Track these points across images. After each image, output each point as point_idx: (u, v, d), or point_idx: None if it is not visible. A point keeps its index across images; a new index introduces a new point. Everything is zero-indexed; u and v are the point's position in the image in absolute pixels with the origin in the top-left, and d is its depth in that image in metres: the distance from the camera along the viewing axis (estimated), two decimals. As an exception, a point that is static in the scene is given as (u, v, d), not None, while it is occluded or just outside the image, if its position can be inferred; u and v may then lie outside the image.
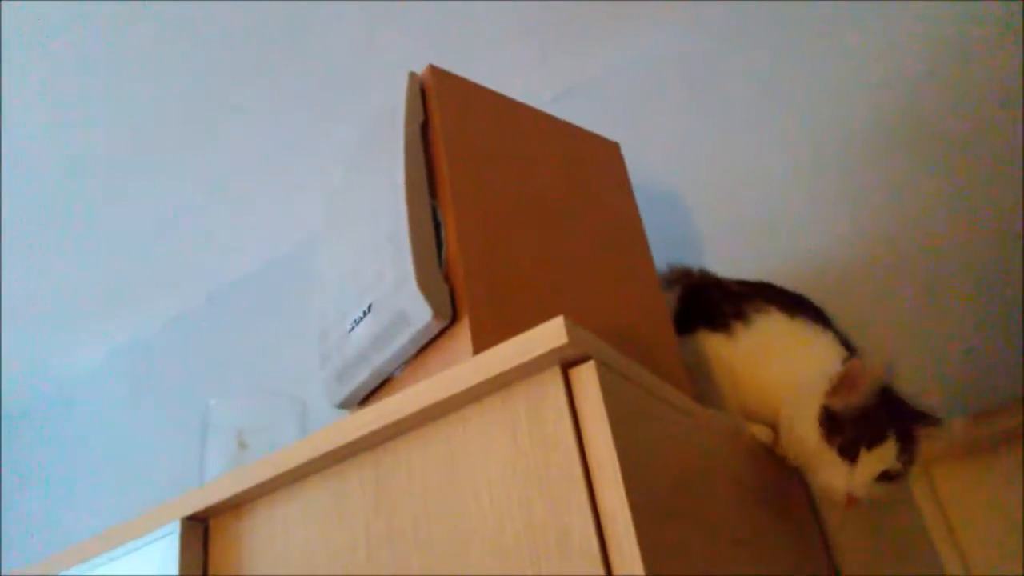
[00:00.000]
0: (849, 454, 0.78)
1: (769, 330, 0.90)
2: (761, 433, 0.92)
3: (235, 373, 1.69)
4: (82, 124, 1.40)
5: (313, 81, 1.39)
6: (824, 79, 1.18)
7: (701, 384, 0.91)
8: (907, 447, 0.78)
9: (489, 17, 1.32)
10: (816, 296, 0.94)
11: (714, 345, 0.93)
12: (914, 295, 1.01)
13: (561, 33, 1.36)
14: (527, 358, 0.58)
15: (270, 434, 1.12)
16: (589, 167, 0.92)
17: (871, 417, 0.79)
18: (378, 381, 0.77)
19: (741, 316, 0.91)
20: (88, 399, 1.97)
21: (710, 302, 0.96)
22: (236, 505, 0.74)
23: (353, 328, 0.76)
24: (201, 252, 1.74)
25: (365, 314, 0.74)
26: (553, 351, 0.57)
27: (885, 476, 0.78)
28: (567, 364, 0.59)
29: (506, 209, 0.78)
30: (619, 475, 0.54)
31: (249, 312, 1.76)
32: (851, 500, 0.78)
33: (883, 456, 0.78)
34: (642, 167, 1.08)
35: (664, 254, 0.98)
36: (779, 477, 0.93)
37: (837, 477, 0.79)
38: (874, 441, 0.78)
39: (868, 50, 1.15)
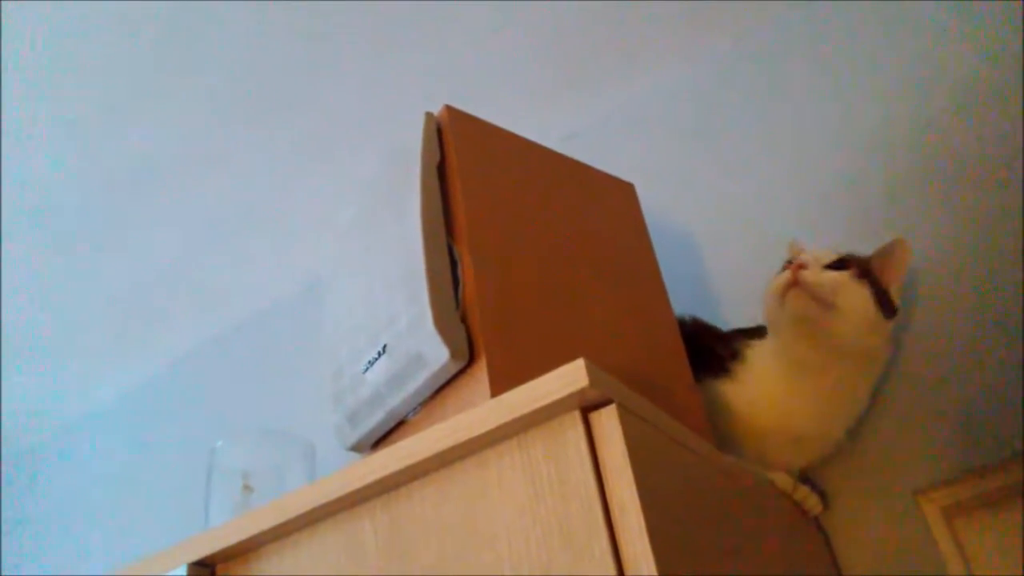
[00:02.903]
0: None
1: (761, 356, 0.93)
2: (780, 481, 0.90)
3: (243, 415, 1.67)
4: (83, 167, 1.40)
5: (320, 122, 1.40)
6: (832, 114, 1.18)
7: (717, 434, 0.90)
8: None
9: (498, 59, 1.33)
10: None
11: (721, 391, 0.93)
12: (919, 339, 0.99)
13: (571, 73, 1.37)
14: (547, 401, 0.57)
15: (278, 476, 1.10)
16: (604, 208, 0.91)
17: None
18: (392, 423, 0.76)
19: (735, 355, 0.93)
20: (94, 442, 1.96)
21: (707, 350, 0.96)
22: (244, 551, 0.72)
23: (368, 369, 0.74)
24: (206, 293, 1.74)
25: (380, 355, 0.73)
26: (573, 394, 0.56)
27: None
28: (587, 408, 0.57)
29: (523, 249, 0.77)
30: (643, 523, 0.52)
31: (256, 353, 1.75)
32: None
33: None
34: (655, 206, 1.08)
35: (680, 294, 0.97)
36: (798, 525, 0.91)
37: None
38: None
39: (876, 85, 1.16)
